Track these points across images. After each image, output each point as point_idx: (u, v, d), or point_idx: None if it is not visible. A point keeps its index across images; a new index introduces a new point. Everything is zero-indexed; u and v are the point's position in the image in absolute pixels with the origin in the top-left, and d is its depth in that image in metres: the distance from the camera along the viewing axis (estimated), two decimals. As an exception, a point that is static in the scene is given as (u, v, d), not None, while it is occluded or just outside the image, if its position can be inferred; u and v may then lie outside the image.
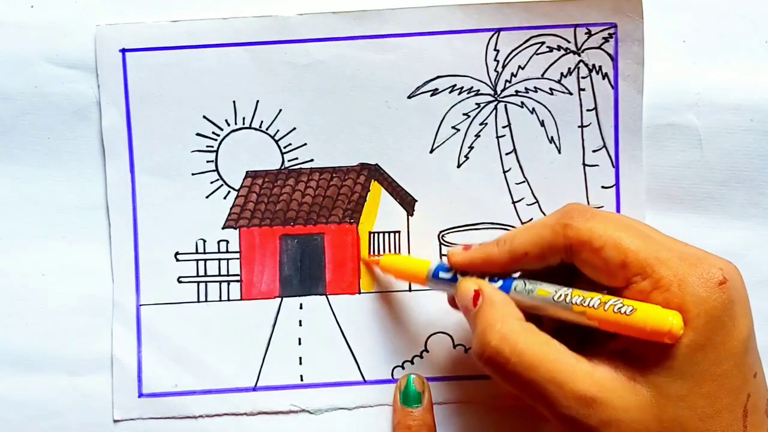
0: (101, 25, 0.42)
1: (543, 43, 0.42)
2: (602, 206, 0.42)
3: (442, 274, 0.37)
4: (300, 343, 0.42)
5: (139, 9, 0.42)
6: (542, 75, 0.42)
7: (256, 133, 0.43)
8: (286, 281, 0.43)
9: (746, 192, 0.42)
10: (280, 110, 0.42)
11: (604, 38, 0.42)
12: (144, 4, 0.42)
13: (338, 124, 0.42)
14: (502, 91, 0.42)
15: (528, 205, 0.42)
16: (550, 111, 0.42)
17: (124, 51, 0.42)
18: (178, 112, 0.42)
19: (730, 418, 0.30)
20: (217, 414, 0.42)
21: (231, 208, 0.43)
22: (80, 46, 0.42)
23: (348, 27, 0.42)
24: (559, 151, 0.42)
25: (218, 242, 0.43)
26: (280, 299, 0.43)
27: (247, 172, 0.43)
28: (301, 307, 0.42)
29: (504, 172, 0.42)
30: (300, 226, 0.43)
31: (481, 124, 0.42)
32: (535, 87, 0.42)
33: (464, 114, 0.42)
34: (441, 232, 0.43)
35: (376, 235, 0.43)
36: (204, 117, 0.42)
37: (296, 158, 0.43)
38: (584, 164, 0.42)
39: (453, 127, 0.42)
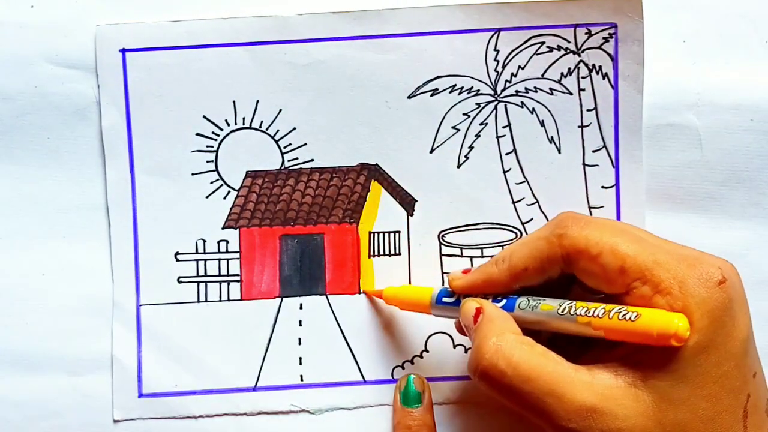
0: (101, 25, 0.42)
1: (543, 43, 0.42)
2: (602, 206, 0.42)
3: (445, 299, 0.37)
4: (300, 343, 0.42)
5: (139, 9, 0.42)
6: (542, 75, 0.42)
7: (256, 133, 0.43)
8: (286, 281, 0.43)
9: (746, 192, 0.42)
10: (280, 110, 0.42)
11: (604, 38, 0.42)
12: (144, 4, 0.42)
13: (338, 124, 0.42)
14: (502, 91, 0.42)
15: (528, 205, 0.42)
16: (550, 111, 0.42)
17: (124, 51, 0.42)
18: (178, 112, 0.42)
19: (730, 419, 0.30)
20: (217, 414, 0.42)
21: (231, 208, 0.43)
22: (80, 46, 0.42)
23: (348, 27, 0.42)
24: (559, 151, 0.42)
25: (218, 242, 0.43)
26: (280, 299, 0.43)
27: (247, 172, 0.43)
28: (301, 307, 0.42)
29: (504, 172, 0.42)
30: (300, 226, 0.43)
31: (481, 124, 0.42)
32: (535, 87, 0.42)
33: (464, 114, 0.42)
34: (441, 232, 0.43)
35: (376, 235, 0.43)
36: (204, 117, 0.42)
37: (296, 158, 0.43)
38: (584, 164, 0.42)
39: (453, 127, 0.42)
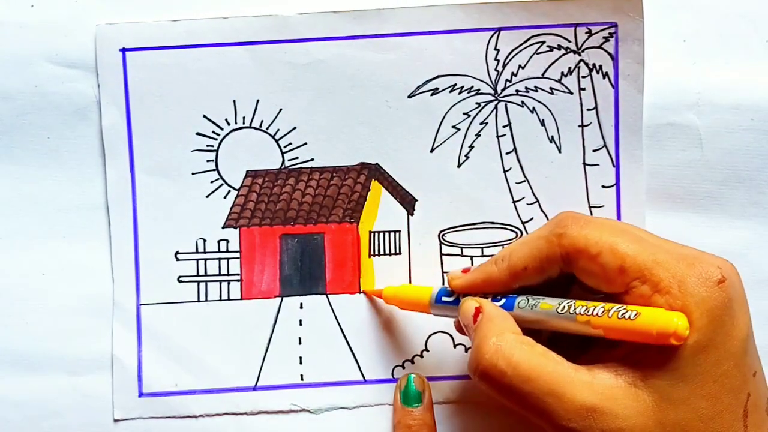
0: (101, 25, 0.42)
1: (543, 42, 0.42)
2: (602, 206, 0.42)
3: (444, 299, 0.37)
4: (300, 343, 0.42)
5: (139, 9, 0.42)
6: (542, 74, 0.42)
7: (256, 133, 0.43)
8: (287, 281, 0.43)
9: (746, 191, 0.42)
10: (281, 110, 0.42)
11: (604, 38, 0.42)
12: (144, 3, 0.42)
13: (338, 123, 0.42)
14: (503, 90, 0.42)
15: (528, 204, 0.42)
16: (550, 110, 0.42)
17: (124, 50, 0.42)
18: (178, 111, 0.42)
19: (730, 419, 0.30)
20: (218, 413, 0.42)
21: (231, 208, 0.43)
22: (80, 45, 0.42)
23: (348, 26, 0.42)
24: (560, 151, 0.42)
25: (218, 242, 0.43)
26: (280, 299, 0.43)
27: (247, 171, 0.43)
28: (301, 307, 0.42)
29: (504, 171, 0.42)
30: (300, 225, 0.43)
31: (481, 123, 0.42)
32: (535, 86, 0.42)
33: (464, 113, 0.42)
34: (441, 231, 0.43)
35: (376, 234, 0.43)
36: (204, 116, 0.42)
37: (296, 158, 0.43)
38: (584, 164, 0.42)
39: (453, 127, 0.42)
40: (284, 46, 0.42)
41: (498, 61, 0.42)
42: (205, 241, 0.43)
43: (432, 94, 0.42)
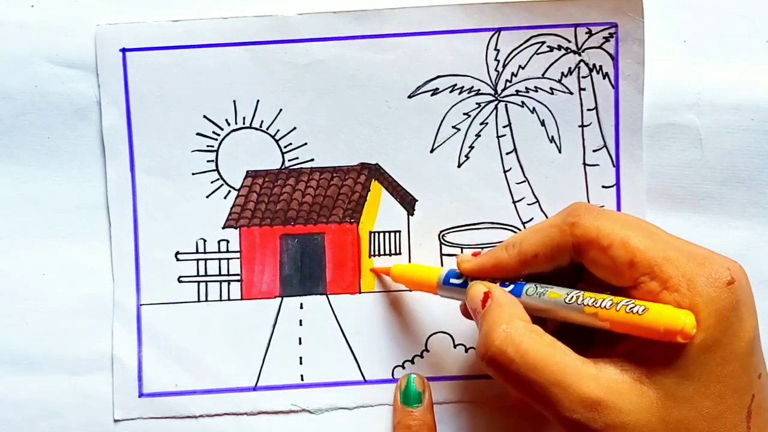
0: (101, 25, 0.42)
1: (543, 42, 0.42)
2: (602, 206, 0.42)
3: (452, 281, 0.37)
4: (300, 343, 0.42)
5: (139, 9, 0.42)
6: (543, 75, 0.42)
7: (256, 133, 0.43)
8: (287, 281, 0.43)
9: (747, 191, 0.42)
10: (281, 110, 0.42)
11: (604, 38, 0.42)
12: (144, 4, 0.42)
13: (338, 123, 0.42)
14: (503, 90, 0.42)
15: (528, 204, 0.42)
16: (550, 110, 0.42)
17: (124, 51, 0.42)
18: (178, 111, 0.42)
19: (734, 419, 0.30)
20: (218, 414, 0.42)
21: (231, 208, 0.43)
22: (80, 45, 0.42)
23: (348, 27, 0.42)
24: (560, 151, 0.42)
25: (218, 242, 0.43)
26: (280, 299, 0.43)
27: (247, 171, 0.43)
28: (301, 307, 0.42)
29: (504, 171, 0.42)
30: (300, 225, 0.43)
31: (481, 123, 0.42)
32: (535, 86, 0.42)
33: (465, 114, 0.42)
34: (441, 231, 0.43)
35: (376, 234, 0.43)
36: (204, 117, 0.42)
37: (296, 158, 0.43)
38: (585, 164, 0.42)
39: (453, 127, 0.42)
40: (284, 47, 0.42)
41: (498, 61, 0.42)
42: (205, 241, 0.43)
43: (432, 95, 0.42)
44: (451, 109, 0.42)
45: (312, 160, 0.43)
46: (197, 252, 0.43)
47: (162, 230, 0.42)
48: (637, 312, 0.30)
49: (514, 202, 0.42)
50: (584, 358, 0.31)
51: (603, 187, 0.42)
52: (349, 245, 0.43)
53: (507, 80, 0.42)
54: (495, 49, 0.42)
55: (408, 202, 0.43)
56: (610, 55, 0.42)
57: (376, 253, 0.43)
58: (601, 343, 0.33)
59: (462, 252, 0.42)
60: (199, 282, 0.42)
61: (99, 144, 0.43)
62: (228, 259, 0.43)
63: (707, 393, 0.29)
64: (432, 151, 0.42)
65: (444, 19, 0.42)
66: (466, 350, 0.42)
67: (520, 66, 0.42)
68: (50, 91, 0.42)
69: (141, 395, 0.42)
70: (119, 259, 0.42)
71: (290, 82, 0.42)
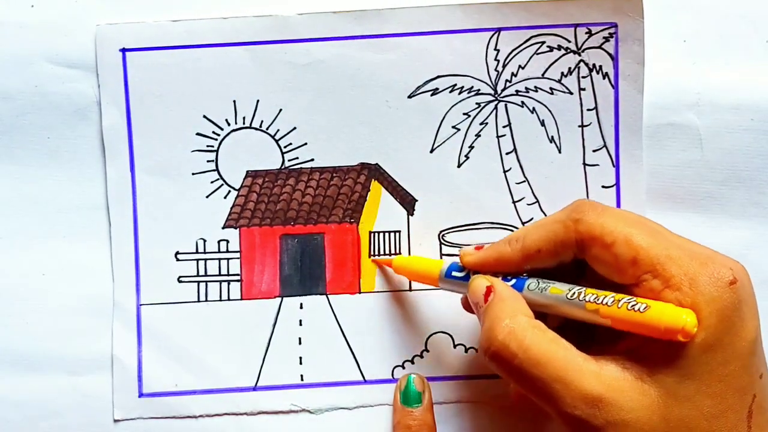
0: (101, 25, 0.42)
1: (543, 42, 0.42)
2: (603, 206, 0.42)
3: (455, 273, 0.37)
4: (300, 343, 0.42)
5: (139, 9, 0.42)
6: (542, 74, 0.42)
7: (256, 133, 0.43)
8: (287, 281, 0.43)
9: (747, 191, 0.42)
10: (281, 110, 0.42)
11: (604, 38, 0.42)
12: (144, 4, 0.42)
13: (338, 123, 0.42)
14: (503, 90, 0.42)
15: (528, 204, 0.42)
16: (550, 110, 0.42)
17: (124, 51, 0.42)
18: (178, 111, 0.42)
19: (735, 419, 0.30)
20: (218, 414, 0.42)
21: (231, 208, 0.43)
22: (80, 45, 0.42)
23: (348, 27, 0.42)
24: (560, 151, 0.42)
25: (218, 242, 0.43)
26: (280, 299, 0.43)
27: (247, 171, 0.43)
28: (301, 307, 0.42)
29: (504, 171, 0.42)
30: (300, 225, 0.43)
31: (481, 123, 0.42)
32: (535, 86, 0.42)
33: (464, 114, 0.42)
34: (441, 231, 0.43)
35: (376, 234, 0.43)
36: (204, 117, 0.42)
37: (296, 158, 0.43)
38: (584, 164, 0.42)
39: (453, 127, 0.42)
40: (284, 47, 0.42)
41: (498, 61, 0.42)
42: (205, 241, 0.43)
43: (432, 95, 0.42)
44: (451, 109, 0.42)
45: (312, 160, 0.43)
46: (197, 252, 0.43)
47: (162, 230, 0.42)
48: (639, 310, 0.30)
49: (514, 202, 0.42)
50: (586, 355, 0.31)
51: (603, 187, 0.42)
52: (349, 245, 0.43)
53: (507, 80, 0.42)
54: (495, 49, 0.42)
55: (408, 202, 0.43)
56: (610, 55, 0.42)
57: (376, 253, 0.43)
58: (602, 340, 0.33)
59: (462, 252, 0.42)
60: (199, 282, 0.42)
61: (99, 144, 0.43)
62: (228, 259, 0.43)
63: (708, 392, 0.29)
64: (432, 151, 0.42)
65: (444, 19, 0.42)
66: (466, 350, 0.42)
67: (520, 66, 0.42)
68: (50, 91, 0.42)
69: (141, 395, 0.42)
70: (119, 259, 0.42)
71: (290, 82, 0.42)
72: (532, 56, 0.42)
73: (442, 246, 0.43)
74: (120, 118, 0.42)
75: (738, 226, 0.42)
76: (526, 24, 0.42)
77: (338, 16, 0.42)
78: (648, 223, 0.33)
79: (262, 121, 0.42)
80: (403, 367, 0.42)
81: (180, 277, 0.42)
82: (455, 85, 0.42)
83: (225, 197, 0.43)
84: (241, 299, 0.43)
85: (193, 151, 0.42)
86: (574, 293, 0.32)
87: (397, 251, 0.43)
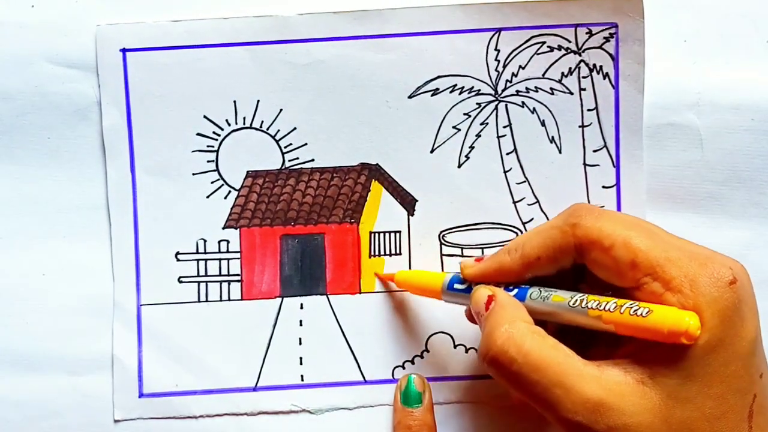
0: (101, 25, 0.42)
1: (544, 42, 0.42)
2: (603, 206, 0.42)
3: (457, 286, 0.37)
4: (300, 343, 0.42)
5: (139, 9, 0.42)
6: (543, 75, 0.42)
7: (256, 133, 0.43)
8: (287, 281, 0.43)
9: (747, 192, 0.42)
10: (281, 110, 0.42)
11: (604, 38, 0.42)
12: (144, 4, 0.42)
13: (339, 123, 0.42)
14: (503, 90, 0.42)
15: (529, 204, 0.42)
16: (550, 111, 0.42)
17: (124, 51, 0.42)
18: (178, 111, 0.42)
19: (736, 419, 0.30)
20: (218, 414, 0.42)
21: (231, 208, 0.43)
22: (80, 45, 0.42)
23: (348, 27, 0.42)
24: (560, 151, 0.42)
25: (219, 242, 0.43)
26: (280, 299, 0.43)
27: (247, 171, 0.43)
28: (301, 307, 0.42)
29: (505, 171, 0.42)
30: (300, 226, 0.43)
31: (481, 123, 0.42)
32: (535, 87, 0.42)
33: (465, 114, 0.42)
34: (442, 232, 0.43)
35: (376, 235, 0.43)
36: (204, 117, 0.42)
37: (297, 158, 0.43)
38: (585, 164, 0.42)
39: (454, 127, 0.42)
40: (284, 47, 0.42)
41: (498, 61, 0.42)
42: (205, 241, 0.43)
43: (432, 95, 0.42)
44: (451, 109, 0.42)
45: (312, 160, 0.43)
46: (197, 252, 0.43)
47: (162, 230, 0.42)
48: (641, 314, 0.30)
49: (514, 203, 0.42)
50: (586, 360, 0.31)
51: (603, 187, 0.42)
52: (350, 245, 0.43)
53: (507, 80, 0.42)
54: (495, 50, 0.42)
55: (408, 202, 0.43)
56: (610, 55, 0.42)
57: (377, 253, 0.43)
58: (602, 344, 0.33)
59: (462, 252, 0.42)
60: (199, 282, 0.42)
61: (99, 144, 0.43)
62: (228, 259, 0.43)
63: (710, 393, 0.29)
64: (432, 151, 0.42)
65: (444, 19, 0.42)
66: (467, 350, 0.42)
67: (520, 66, 0.42)
68: (50, 91, 0.42)
69: (141, 395, 0.42)
70: (119, 259, 0.42)
71: (290, 82, 0.42)
72: (533, 56, 0.42)
73: (443, 246, 0.43)
74: (120, 118, 0.42)
75: (738, 227, 0.42)
76: (526, 24, 0.42)
77: (338, 16, 0.42)
78: (646, 225, 0.32)
79: (262, 122, 0.42)
80: (404, 368, 0.42)
81: (180, 277, 0.42)
82: (455, 85, 0.42)
83: (225, 197, 0.43)
84: (242, 299, 0.42)
85: (193, 151, 0.42)
86: (577, 300, 0.32)
87: (398, 251, 0.43)
